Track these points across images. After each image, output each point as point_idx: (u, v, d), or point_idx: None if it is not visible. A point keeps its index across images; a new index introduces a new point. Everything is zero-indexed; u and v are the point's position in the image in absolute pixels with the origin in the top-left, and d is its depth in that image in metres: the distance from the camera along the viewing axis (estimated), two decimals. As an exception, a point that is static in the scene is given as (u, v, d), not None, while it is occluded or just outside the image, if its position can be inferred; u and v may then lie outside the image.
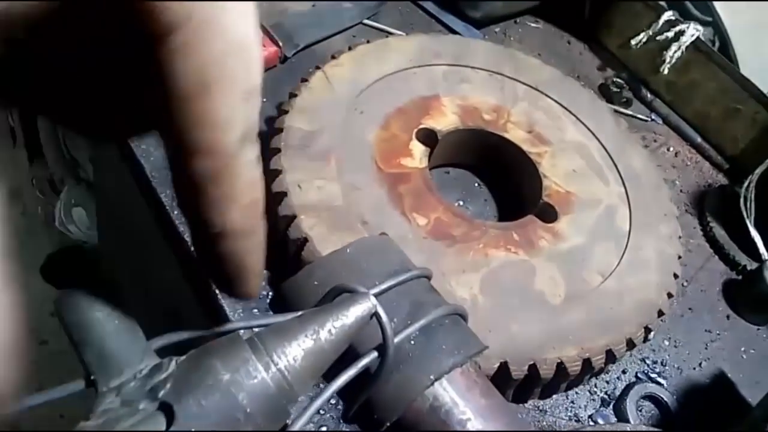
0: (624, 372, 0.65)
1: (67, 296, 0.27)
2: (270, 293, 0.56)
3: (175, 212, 0.60)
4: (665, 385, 0.65)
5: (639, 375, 0.66)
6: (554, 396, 0.61)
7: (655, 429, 0.58)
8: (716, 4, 0.91)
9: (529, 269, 0.61)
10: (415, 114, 0.70)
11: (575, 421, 0.60)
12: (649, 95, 0.95)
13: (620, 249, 0.65)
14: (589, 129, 0.76)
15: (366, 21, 0.87)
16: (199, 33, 0.25)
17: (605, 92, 0.94)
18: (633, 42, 0.94)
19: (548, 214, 0.67)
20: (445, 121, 0.71)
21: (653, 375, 0.66)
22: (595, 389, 0.63)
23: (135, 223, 0.78)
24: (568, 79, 0.81)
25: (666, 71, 0.92)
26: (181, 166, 0.27)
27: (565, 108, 0.77)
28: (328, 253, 0.52)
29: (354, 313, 0.33)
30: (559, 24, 1.02)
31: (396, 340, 0.40)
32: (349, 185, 0.61)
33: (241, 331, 0.33)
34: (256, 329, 0.31)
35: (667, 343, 0.69)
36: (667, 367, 0.67)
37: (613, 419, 0.62)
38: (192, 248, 0.31)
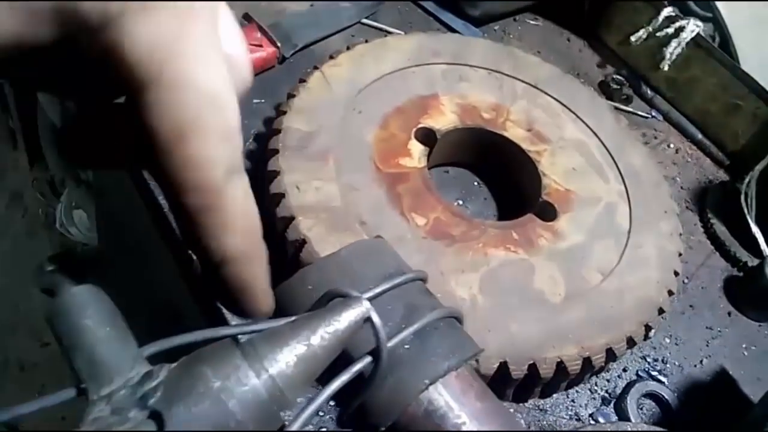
0: (625, 370, 0.65)
1: (58, 303, 0.27)
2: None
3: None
4: (666, 383, 0.65)
5: (640, 373, 0.65)
6: (555, 395, 0.61)
7: (657, 428, 0.58)
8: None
9: (529, 268, 0.61)
10: (413, 113, 0.70)
11: (576, 420, 0.60)
12: (649, 92, 0.95)
13: (620, 247, 0.65)
14: (588, 126, 0.75)
15: (364, 20, 0.87)
16: (170, 88, 0.26)
17: (605, 89, 0.94)
18: (633, 38, 0.94)
19: (548, 213, 0.66)
20: (444, 120, 0.70)
21: (654, 373, 0.66)
22: (596, 388, 0.63)
23: (135, 225, 0.78)
24: (568, 77, 0.81)
25: (666, 68, 0.92)
26: (173, 201, 0.28)
27: (565, 106, 0.77)
28: (322, 257, 0.52)
29: (347, 317, 0.32)
30: (558, 21, 1.02)
31: (390, 344, 0.39)
32: (348, 186, 0.61)
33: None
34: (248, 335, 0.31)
35: (668, 340, 0.69)
36: (668, 365, 0.67)
37: (614, 418, 0.61)
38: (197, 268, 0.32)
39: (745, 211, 0.78)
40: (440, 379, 0.44)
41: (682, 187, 0.86)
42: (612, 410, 0.62)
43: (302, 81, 0.68)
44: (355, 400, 0.43)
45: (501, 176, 0.75)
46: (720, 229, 0.80)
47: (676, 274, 0.64)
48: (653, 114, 0.94)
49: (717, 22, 0.91)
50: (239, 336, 0.30)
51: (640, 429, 0.59)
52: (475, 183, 0.76)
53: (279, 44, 0.76)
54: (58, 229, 1.65)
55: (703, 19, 0.90)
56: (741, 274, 0.78)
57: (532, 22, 1.00)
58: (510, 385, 0.55)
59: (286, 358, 0.29)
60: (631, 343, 0.58)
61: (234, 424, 0.26)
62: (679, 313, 0.72)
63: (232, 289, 0.32)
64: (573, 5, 1.01)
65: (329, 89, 0.67)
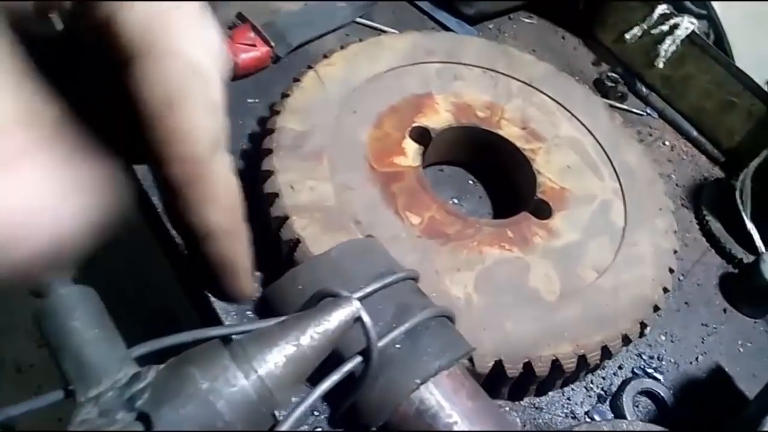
0: (620, 368, 0.65)
1: (46, 304, 0.27)
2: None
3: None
4: (662, 380, 0.65)
5: (635, 370, 0.65)
6: (550, 393, 0.61)
7: (653, 426, 0.58)
8: (710, -4, 0.91)
9: (524, 266, 0.61)
10: (408, 112, 0.70)
11: (572, 417, 0.60)
12: (644, 89, 0.95)
13: (615, 244, 0.65)
14: (583, 124, 0.75)
15: (359, 19, 0.86)
16: (160, 59, 0.28)
17: (600, 87, 0.94)
18: (627, 36, 0.94)
19: (543, 211, 0.66)
20: (438, 119, 0.70)
21: (650, 370, 0.66)
22: (592, 385, 0.63)
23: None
24: (562, 75, 0.81)
25: (661, 65, 0.92)
26: (160, 174, 0.29)
27: (560, 104, 0.77)
28: (312, 257, 0.52)
29: (337, 317, 0.32)
30: (553, 19, 1.02)
31: (381, 343, 0.39)
32: (342, 185, 0.61)
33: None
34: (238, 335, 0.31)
35: (663, 337, 0.69)
36: (663, 362, 0.67)
37: (610, 415, 0.61)
38: (184, 251, 0.33)
39: (740, 207, 0.79)
40: (431, 379, 0.44)
41: (677, 185, 0.86)
42: (608, 408, 0.62)
43: (296, 80, 0.67)
44: (346, 400, 0.43)
45: (496, 175, 0.75)
46: (715, 226, 0.80)
47: (672, 271, 0.64)
48: (648, 111, 0.94)
49: (711, 20, 0.91)
50: (232, 336, 0.30)
51: (635, 427, 0.59)
52: (470, 181, 0.76)
53: (273, 44, 0.76)
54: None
55: (698, 17, 0.90)
56: (736, 270, 0.78)
57: (526, 20, 1.00)
58: (505, 383, 0.55)
59: (275, 359, 0.29)
60: (626, 340, 0.58)
61: (222, 424, 0.26)
62: (675, 310, 0.72)
63: (214, 266, 0.32)
64: (567, 3, 1.01)
65: (323, 89, 0.67)
